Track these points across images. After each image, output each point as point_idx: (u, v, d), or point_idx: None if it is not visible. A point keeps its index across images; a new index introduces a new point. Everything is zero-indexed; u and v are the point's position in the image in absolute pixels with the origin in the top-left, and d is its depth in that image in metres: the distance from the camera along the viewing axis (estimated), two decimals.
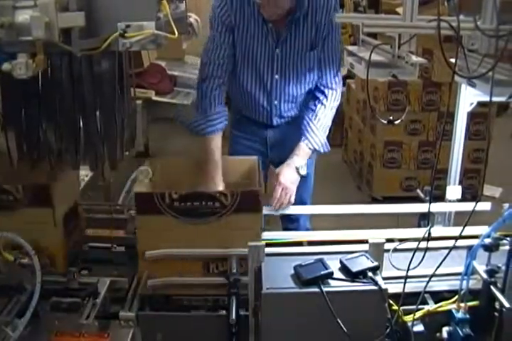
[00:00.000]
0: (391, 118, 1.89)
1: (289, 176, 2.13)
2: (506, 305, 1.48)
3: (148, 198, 1.63)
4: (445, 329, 1.53)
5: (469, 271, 1.56)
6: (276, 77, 2.27)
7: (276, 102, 2.33)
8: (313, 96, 2.33)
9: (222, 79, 2.22)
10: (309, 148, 2.22)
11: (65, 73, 1.45)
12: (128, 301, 1.60)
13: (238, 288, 1.56)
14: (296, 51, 2.22)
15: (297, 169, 2.16)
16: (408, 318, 1.50)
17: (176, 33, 1.37)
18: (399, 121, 1.88)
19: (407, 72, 1.66)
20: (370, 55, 1.58)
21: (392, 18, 1.74)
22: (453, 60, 1.65)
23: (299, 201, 2.25)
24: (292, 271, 1.47)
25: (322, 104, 2.27)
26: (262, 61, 2.25)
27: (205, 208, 1.64)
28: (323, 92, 2.29)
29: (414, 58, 1.64)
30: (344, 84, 5.01)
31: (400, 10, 1.68)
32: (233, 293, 1.55)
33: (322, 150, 2.29)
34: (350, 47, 1.82)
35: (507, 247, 1.57)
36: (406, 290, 1.52)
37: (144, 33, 1.31)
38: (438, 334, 1.54)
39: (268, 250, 1.57)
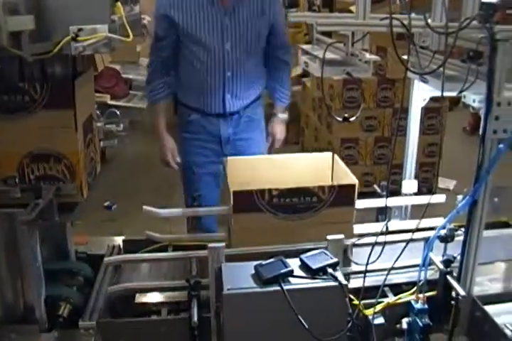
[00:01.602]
0: (346, 115, 1.91)
1: (282, 131, 2.71)
2: (462, 293, 1.52)
3: (247, 196, 1.61)
4: (405, 321, 1.56)
5: (426, 263, 1.60)
6: (227, 47, 2.36)
7: (229, 74, 2.41)
8: (276, 57, 2.58)
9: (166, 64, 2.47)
10: (284, 103, 2.70)
11: None
12: (88, 310, 1.58)
13: (199, 290, 1.55)
14: (246, 18, 2.34)
15: (284, 121, 2.71)
16: (369, 312, 1.52)
17: (131, 35, 1.35)
18: (354, 118, 1.90)
19: (361, 69, 1.69)
20: (325, 53, 1.60)
21: (346, 16, 1.76)
22: (405, 57, 1.68)
23: None
24: (253, 271, 1.47)
25: (286, 62, 2.62)
26: (211, 33, 2.34)
27: (303, 203, 1.66)
28: (283, 50, 2.59)
29: (367, 56, 1.67)
30: (300, 83, 5.06)
31: (353, 8, 1.70)
32: (194, 295, 1.54)
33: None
34: (305, 46, 1.83)
35: (462, 237, 1.61)
36: (366, 285, 1.55)
37: (97, 37, 1.29)
38: (398, 326, 1.57)
39: (228, 251, 1.57)
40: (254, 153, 2.52)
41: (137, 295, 1.69)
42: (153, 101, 2.59)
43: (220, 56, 2.38)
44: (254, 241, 1.63)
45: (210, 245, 1.51)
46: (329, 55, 1.66)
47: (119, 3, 1.35)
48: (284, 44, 2.60)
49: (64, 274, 1.77)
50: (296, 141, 5.07)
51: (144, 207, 1.89)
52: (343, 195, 1.69)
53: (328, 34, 1.78)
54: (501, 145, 1.49)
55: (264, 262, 1.47)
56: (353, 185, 1.70)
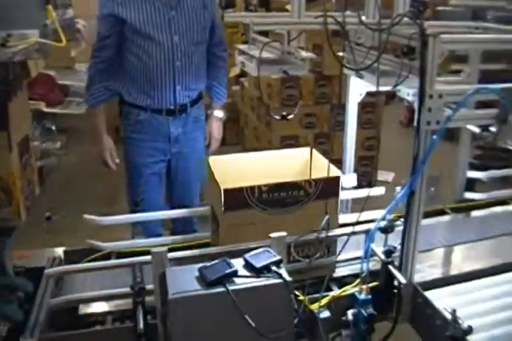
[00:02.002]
0: (284, 113, 1.92)
1: (220, 129, 2.79)
2: (403, 281, 1.57)
3: (238, 193, 1.63)
4: (350, 312, 1.58)
5: (368, 254, 1.63)
6: (176, 39, 2.41)
7: (178, 64, 2.46)
8: (213, 53, 2.64)
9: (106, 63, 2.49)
10: (221, 100, 2.77)
11: None
12: (29, 326, 1.52)
13: (144, 296, 1.53)
14: (191, 11, 2.44)
15: (221, 119, 2.77)
16: (314, 306, 1.54)
17: (64, 40, 1.32)
18: (292, 116, 1.92)
19: (298, 67, 1.71)
20: (261, 52, 1.61)
21: (281, 15, 1.79)
22: (341, 54, 1.71)
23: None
24: (197, 274, 1.46)
25: (223, 59, 2.71)
26: (159, 26, 2.39)
27: (291, 197, 1.68)
28: (221, 48, 2.66)
29: (303, 53, 1.69)
30: (238, 83, 5.07)
31: (289, 7, 1.72)
32: (139, 302, 1.51)
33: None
34: (241, 46, 1.83)
35: (401, 228, 1.65)
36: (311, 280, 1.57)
37: (28, 42, 1.25)
38: (344, 318, 1.59)
39: (172, 255, 1.56)
40: (199, 151, 2.69)
41: (80, 306, 1.65)
42: (93, 105, 2.57)
43: (169, 48, 2.43)
44: (243, 237, 1.65)
45: (153, 250, 1.49)
46: (266, 55, 1.67)
47: (50, 7, 1.31)
48: (221, 41, 2.67)
49: (1, 291, 1.71)
50: (236, 142, 5.08)
51: (85, 216, 1.85)
52: (328, 187, 1.73)
53: (265, 33, 1.79)
54: (435, 136, 1.54)
55: (208, 264, 1.46)
56: (338, 177, 1.73)
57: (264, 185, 1.64)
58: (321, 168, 1.78)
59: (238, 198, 1.64)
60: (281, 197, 1.67)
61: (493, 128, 1.68)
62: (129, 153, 2.61)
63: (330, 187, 1.72)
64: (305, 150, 1.96)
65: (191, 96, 2.57)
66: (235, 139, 5.07)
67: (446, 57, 1.87)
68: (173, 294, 1.37)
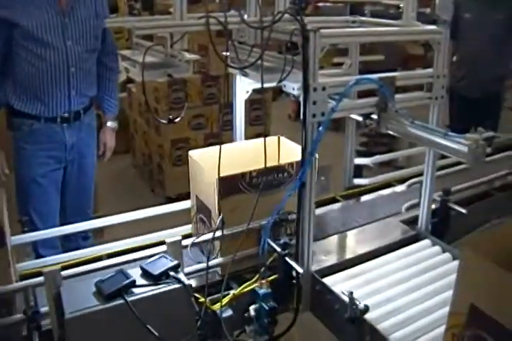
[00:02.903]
0: (171, 117, 1.91)
1: (112, 139, 2.80)
2: (300, 270, 1.61)
3: (232, 180, 1.73)
4: (252, 308, 1.61)
5: (265, 248, 1.66)
6: (69, 43, 2.39)
7: (73, 69, 2.43)
8: (103, 64, 2.65)
9: None
10: (112, 112, 2.79)
11: None
12: None
13: (39, 320, 1.46)
14: (84, 19, 2.43)
15: (114, 129, 2.80)
16: (216, 306, 1.54)
17: None
18: (179, 118, 1.91)
19: (182, 69, 1.70)
20: (144, 56, 1.59)
21: (164, 18, 1.76)
22: (227, 53, 1.72)
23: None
24: (94, 288, 1.42)
25: (114, 71, 2.69)
26: (53, 32, 2.35)
27: (277, 180, 1.81)
28: (111, 57, 2.64)
29: (187, 55, 1.69)
30: (125, 89, 4.96)
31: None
32: (34, 327, 1.44)
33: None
34: (124, 52, 1.81)
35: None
36: (210, 281, 1.57)
37: None
38: (247, 314, 1.61)
39: (66, 272, 1.50)
40: (93, 158, 2.72)
41: None
42: None
43: (64, 53, 2.39)
44: (239, 220, 1.72)
45: (45, 270, 1.43)
46: (150, 59, 1.66)
47: None
48: (112, 50, 2.65)
49: None
50: (126, 149, 4.98)
51: None
52: None
53: (150, 37, 1.77)
54: (321, 128, 1.59)
55: (104, 277, 1.43)
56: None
57: (254, 171, 1.76)
58: (292, 153, 1.90)
59: (232, 184, 1.74)
60: (268, 180, 1.78)
61: (374, 116, 1.78)
62: (23, 166, 2.51)
63: None
64: (274, 138, 2.07)
65: (85, 103, 2.55)
66: (125, 147, 4.97)
67: (329, 50, 1.95)
68: (70, 313, 1.33)
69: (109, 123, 2.80)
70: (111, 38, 2.65)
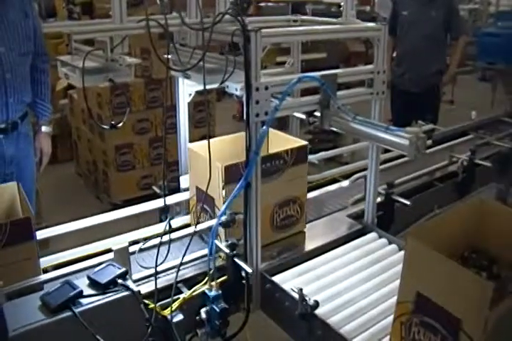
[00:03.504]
0: (113, 122, 1.88)
1: (49, 145, 2.68)
2: (249, 270, 1.62)
3: (235, 168, 1.77)
4: (203, 311, 1.60)
5: (213, 251, 1.65)
6: (2, 50, 2.29)
7: (9, 76, 2.33)
8: (34, 66, 2.51)
9: None
10: (47, 116, 2.66)
11: None
12: None
13: None
14: (14, 22, 2.31)
15: (49, 134, 2.68)
16: (166, 312, 1.53)
17: None
18: (121, 123, 1.88)
19: (123, 74, 1.68)
20: (84, 62, 1.56)
21: (103, 22, 1.73)
22: (169, 56, 1.70)
23: None
24: (40, 302, 1.38)
25: (45, 72, 2.59)
26: None
27: (274, 166, 1.89)
28: (42, 58, 2.54)
29: (128, 59, 1.66)
30: (66, 96, 4.85)
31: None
32: None
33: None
34: (63, 57, 1.76)
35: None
36: (159, 286, 1.55)
37: None
38: (198, 317, 1.60)
39: (10, 287, 1.45)
40: (32, 169, 2.59)
41: None
42: None
43: None
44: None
45: None
46: (90, 64, 1.62)
47: None
48: (43, 51, 2.56)
49: None
50: (70, 157, 4.87)
51: None
52: (299, 155, 1.95)
53: (91, 42, 1.73)
54: (264, 127, 1.60)
55: (50, 290, 1.40)
56: (306, 146, 1.98)
57: None
58: (282, 142, 1.99)
59: (235, 172, 1.77)
60: (267, 167, 1.85)
61: (317, 113, 1.79)
62: None
63: (300, 154, 1.95)
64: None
65: (22, 110, 2.45)
66: (68, 155, 4.86)
67: (272, 50, 1.96)
68: (14, 330, 1.28)
69: (43, 128, 2.67)
70: (41, 39, 2.54)
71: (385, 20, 5.59)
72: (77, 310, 1.33)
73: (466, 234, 1.61)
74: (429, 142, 2.52)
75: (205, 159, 1.73)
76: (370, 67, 1.91)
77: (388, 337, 1.48)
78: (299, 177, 1.98)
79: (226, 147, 2.01)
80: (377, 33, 1.87)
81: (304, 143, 1.99)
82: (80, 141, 4.74)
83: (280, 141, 2.01)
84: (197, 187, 1.96)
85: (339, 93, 1.79)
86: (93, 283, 1.44)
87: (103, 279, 1.43)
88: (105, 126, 1.94)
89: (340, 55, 7.28)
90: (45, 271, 1.76)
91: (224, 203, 1.71)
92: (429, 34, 3.89)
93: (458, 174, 2.63)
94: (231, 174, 1.78)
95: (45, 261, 1.85)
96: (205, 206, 1.91)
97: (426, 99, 4.01)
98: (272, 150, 1.91)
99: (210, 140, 1.72)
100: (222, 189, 1.79)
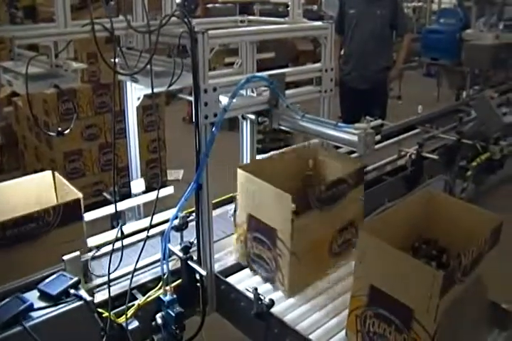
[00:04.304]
0: (60, 129, 1.84)
1: None
2: (203, 272, 1.61)
3: (304, 197, 1.63)
4: (158, 316, 1.59)
5: (166, 255, 1.64)
6: None
7: None
8: None
9: None
10: None
11: None
12: None
13: None
14: None
15: None
16: (122, 319, 1.51)
17: None
18: (68, 130, 1.83)
19: (69, 79, 1.64)
20: (27, 68, 1.51)
21: (47, 26, 1.68)
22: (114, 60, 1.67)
23: None
24: None
25: None
26: None
27: (340, 191, 1.75)
28: None
29: (73, 65, 1.62)
30: (10, 103, 4.71)
31: None
32: None
33: None
34: (5, 64, 1.71)
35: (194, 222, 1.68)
36: (114, 293, 1.53)
37: None
38: (154, 323, 1.58)
39: None
40: None
41: None
42: None
43: None
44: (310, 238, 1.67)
45: None
46: (34, 70, 1.57)
47: None
48: None
49: None
50: (16, 166, 4.73)
51: None
52: (359, 176, 1.82)
53: (36, 47, 1.68)
54: (214, 129, 1.59)
55: None
56: (364, 167, 1.82)
57: (323, 185, 1.70)
58: (335, 162, 1.89)
59: (303, 202, 1.63)
60: (332, 192, 1.72)
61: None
62: None
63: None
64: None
65: None
66: (15, 164, 4.73)
67: (221, 51, 1.95)
68: None
69: None
70: None
71: (331, 18, 5.65)
72: (27, 324, 1.29)
73: (417, 225, 1.65)
74: (378, 137, 2.57)
75: (266, 186, 1.65)
76: (317, 65, 1.93)
77: (344, 330, 1.50)
78: (358, 200, 1.87)
79: (276, 167, 1.88)
80: (324, 32, 1.89)
81: (361, 164, 1.88)
82: (26, 149, 4.61)
83: (332, 161, 1.91)
84: (250, 215, 1.79)
85: (288, 92, 1.80)
86: (44, 295, 1.40)
87: (54, 290, 1.40)
88: (52, 133, 1.88)
89: (289, 54, 7.33)
90: None
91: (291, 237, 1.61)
92: (376, 32, 3.96)
93: (407, 167, 2.68)
94: (299, 204, 1.59)
95: None
96: (259, 236, 1.76)
97: (374, 96, 4.07)
98: (328, 171, 1.87)
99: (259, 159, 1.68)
100: (292, 222, 1.61)
